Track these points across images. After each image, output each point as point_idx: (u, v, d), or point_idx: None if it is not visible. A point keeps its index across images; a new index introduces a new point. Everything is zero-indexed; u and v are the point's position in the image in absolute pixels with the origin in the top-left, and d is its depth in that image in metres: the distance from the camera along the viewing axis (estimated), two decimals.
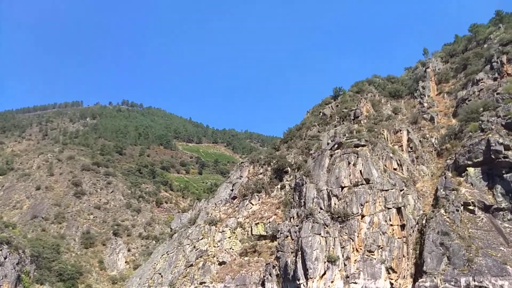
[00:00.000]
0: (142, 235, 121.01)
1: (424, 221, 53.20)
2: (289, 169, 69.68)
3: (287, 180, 68.42)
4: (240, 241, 60.79)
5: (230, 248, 59.45)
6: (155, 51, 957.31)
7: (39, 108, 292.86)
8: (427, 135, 71.39)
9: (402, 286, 48.99)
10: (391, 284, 47.42)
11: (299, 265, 45.48)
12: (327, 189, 51.71)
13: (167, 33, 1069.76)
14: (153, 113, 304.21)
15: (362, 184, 51.72)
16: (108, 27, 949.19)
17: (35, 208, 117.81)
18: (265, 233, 60.53)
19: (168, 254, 57.65)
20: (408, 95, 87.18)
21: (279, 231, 53.37)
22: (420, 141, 69.54)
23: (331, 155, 56.21)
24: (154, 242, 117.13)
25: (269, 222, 61.32)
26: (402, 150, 66.85)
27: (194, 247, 58.02)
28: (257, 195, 66.45)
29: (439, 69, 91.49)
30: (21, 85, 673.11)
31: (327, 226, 47.78)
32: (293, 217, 52.79)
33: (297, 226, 50.67)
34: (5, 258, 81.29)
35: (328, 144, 58.92)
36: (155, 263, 57.39)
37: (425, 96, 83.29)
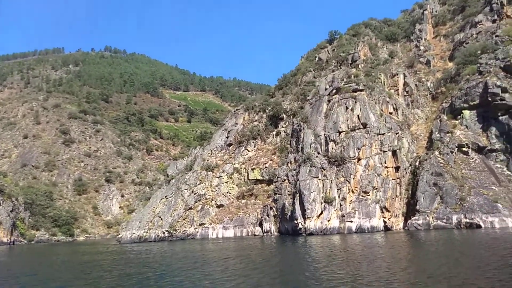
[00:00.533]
0: (135, 182, 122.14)
1: (417, 163, 54.34)
2: (284, 115, 69.19)
3: (282, 127, 68.19)
4: (237, 185, 61.59)
5: (227, 192, 60.34)
6: None
7: (19, 55, 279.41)
8: (423, 79, 70.90)
9: (394, 224, 51.09)
10: (384, 222, 49.29)
11: (297, 206, 46.57)
12: (324, 134, 51.73)
13: None
14: (137, 60, 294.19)
15: (359, 128, 51.82)
16: None
17: (24, 157, 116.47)
18: (261, 178, 61.28)
19: (167, 199, 58.32)
20: (404, 38, 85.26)
21: (276, 175, 54.00)
22: (415, 85, 69.18)
23: (329, 101, 55.62)
24: (147, 188, 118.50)
25: (265, 167, 61.87)
26: (398, 94, 66.60)
27: (192, 191, 58.66)
28: (253, 142, 66.38)
29: (436, 11, 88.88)
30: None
31: (324, 169, 48.38)
32: (291, 162, 53.21)
33: (294, 170, 51.23)
34: None
35: (326, 89, 58.03)
36: (154, 207, 58.18)
37: (421, 39, 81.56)
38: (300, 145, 52.39)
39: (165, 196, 59.09)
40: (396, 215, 52.02)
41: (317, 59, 79.77)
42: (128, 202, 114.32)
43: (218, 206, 58.96)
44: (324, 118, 53.90)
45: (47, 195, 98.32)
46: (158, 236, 54.53)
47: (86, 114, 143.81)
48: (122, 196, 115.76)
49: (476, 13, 74.11)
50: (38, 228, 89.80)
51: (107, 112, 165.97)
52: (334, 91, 56.00)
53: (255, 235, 53.36)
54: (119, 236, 58.44)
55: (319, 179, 47.31)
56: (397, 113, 61.74)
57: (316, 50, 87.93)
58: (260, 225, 53.44)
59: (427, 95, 68.83)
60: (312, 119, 54.39)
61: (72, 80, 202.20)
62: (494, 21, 69.60)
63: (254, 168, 62.38)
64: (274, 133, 67.91)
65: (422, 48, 78.85)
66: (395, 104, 62.03)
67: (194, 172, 62.24)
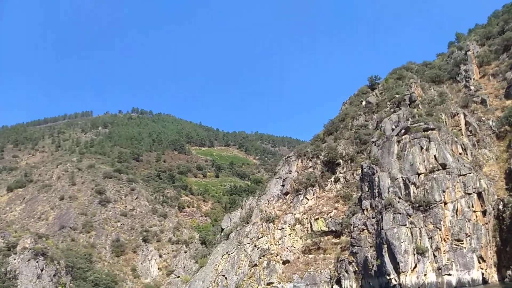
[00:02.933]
0: (171, 240, 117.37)
1: (501, 206, 49.75)
2: (341, 160, 66.21)
3: (340, 173, 64.94)
4: (300, 238, 57.21)
5: (292, 246, 55.88)
6: (162, 58, 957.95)
7: (50, 120, 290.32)
8: (483, 118, 68.01)
9: (489, 276, 45.35)
10: (482, 274, 43.75)
11: (387, 259, 41.84)
12: (402, 177, 48.07)
13: (171, 38, 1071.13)
14: (163, 119, 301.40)
15: (438, 169, 48.10)
16: (112, 34, 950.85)
17: (61, 219, 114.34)
18: (326, 229, 56.99)
19: (228, 255, 54.10)
20: (449, 80, 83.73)
21: (351, 224, 49.68)
22: (477, 124, 66.13)
23: (398, 141, 52.61)
24: (184, 246, 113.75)
25: (330, 217, 57.76)
26: (462, 134, 63.35)
27: (255, 246, 54.46)
28: (311, 190, 62.92)
29: (477, 52, 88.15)
30: (31, 97, 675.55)
31: (410, 216, 44.14)
32: (367, 209, 49.12)
33: (373, 218, 47.05)
34: (42, 270, 77.91)
35: (393, 130, 55.32)
36: (216, 265, 53.83)
37: (470, 79, 79.86)
38: (376, 190, 48.58)
39: (227, 252, 54.91)
40: (490, 265, 46.45)
41: (365, 103, 78.10)
42: (166, 263, 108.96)
43: (284, 262, 54.22)
44: (397, 159, 50.55)
45: (87, 257, 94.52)
46: None
47: (120, 173, 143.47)
48: (160, 256, 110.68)
49: None
50: None
51: (139, 171, 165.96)
52: (403, 131, 53.17)
53: None
54: None
55: (407, 227, 42.91)
56: (467, 154, 58.07)
57: (358, 95, 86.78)
58: (338, 282, 48.20)
59: (490, 134, 65.50)
60: (384, 161, 51.07)
61: (103, 141, 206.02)
62: None
63: (318, 218, 58.23)
64: (333, 179, 64.50)
65: (472, 88, 76.82)
66: (463, 144, 58.59)
67: (254, 224, 58.39)
